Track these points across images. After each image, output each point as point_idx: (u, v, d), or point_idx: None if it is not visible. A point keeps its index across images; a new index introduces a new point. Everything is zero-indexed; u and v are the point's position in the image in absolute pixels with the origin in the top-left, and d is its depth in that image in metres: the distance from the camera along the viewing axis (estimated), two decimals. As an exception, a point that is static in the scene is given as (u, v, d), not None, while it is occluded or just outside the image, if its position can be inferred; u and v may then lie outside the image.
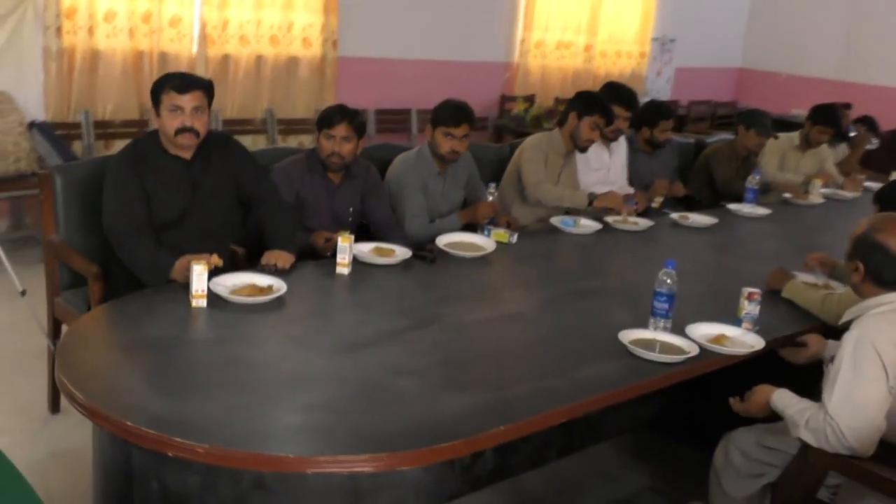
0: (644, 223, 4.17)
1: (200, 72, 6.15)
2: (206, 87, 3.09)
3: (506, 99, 8.13)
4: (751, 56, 10.84)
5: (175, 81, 3.05)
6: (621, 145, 4.88)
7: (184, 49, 6.07)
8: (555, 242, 3.83)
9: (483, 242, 3.53)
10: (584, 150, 4.37)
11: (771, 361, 2.86)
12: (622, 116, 4.67)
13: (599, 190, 4.70)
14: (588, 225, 4.01)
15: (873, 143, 6.35)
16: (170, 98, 3.01)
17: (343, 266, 3.04)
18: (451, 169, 4.05)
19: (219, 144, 3.20)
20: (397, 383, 2.23)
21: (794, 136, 5.80)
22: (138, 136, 5.88)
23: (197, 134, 3.05)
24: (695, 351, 2.59)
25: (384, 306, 2.80)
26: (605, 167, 4.76)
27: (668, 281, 2.71)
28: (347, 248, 3.03)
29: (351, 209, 3.72)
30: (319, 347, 2.42)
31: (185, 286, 2.63)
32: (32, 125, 5.37)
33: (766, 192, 5.51)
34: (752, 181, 4.82)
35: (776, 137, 5.57)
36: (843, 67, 9.90)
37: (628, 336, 2.64)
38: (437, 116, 3.93)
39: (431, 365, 2.35)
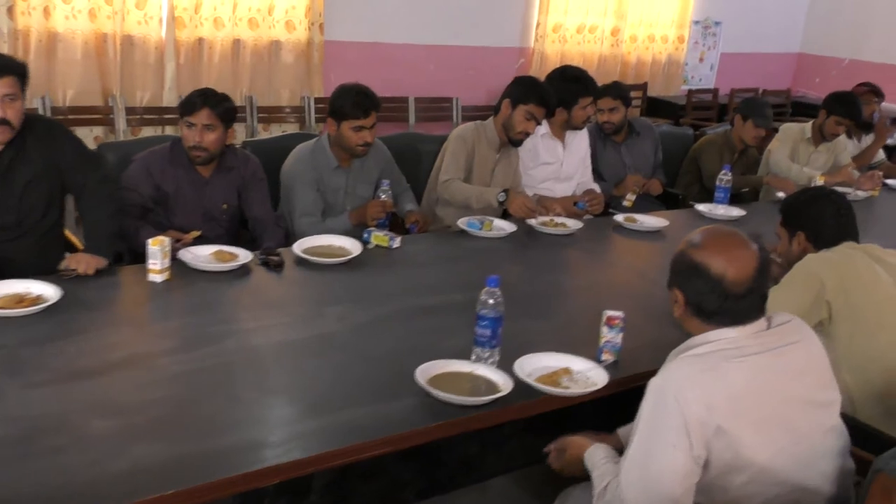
0: (573, 225, 3.64)
1: (171, 56, 5.89)
2: (17, 72, 2.70)
3: (519, 86, 7.59)
4: (812, 40, 9.95)
5: None
6: (580, 135, 4.33)
7: (152, 32, 5.79)
8: (452, 247, 3.35)
9: (352, 247, 3.09)
10: (517, 143, 3.86)
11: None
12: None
13: (550, 187, 4.21)
14: (500, 227, 3.51)
15: (894, 137, 5.53)
16: None
17: (155, 273, 2.65)
18: (357, 162, 3.62)
19: (39, 132, 2.84)
20: (83, 426, 1.83)
21: (806, 127, 5.11)
22: (101, 122, 5.77)
23: (9, 125, 2.69)
24: (508, 390, 2.11)
25: (161, 324, 2.40)
26: (559, 160, 4.24)
27: (491, 301, 2.23)
28: (158, 253, 2.64)
29: (225, 205, 3.34)
30: (30, 375, 2.03)
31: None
32: (-22, 111, 5.17)
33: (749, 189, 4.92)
34: (723, 179, 4.21)
35: (776, 129, 4.93)
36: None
37: (435, 369, 2.18)
38: (339, 109, 3.48)
39: (147, 403, 1.95)
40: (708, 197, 4.50)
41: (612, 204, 4.49)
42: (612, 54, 8.16)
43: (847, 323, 2.33)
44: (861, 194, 4.80)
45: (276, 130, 6.40)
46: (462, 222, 3.49)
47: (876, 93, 5.54)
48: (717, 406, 1.67)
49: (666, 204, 4.81)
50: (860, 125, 5.32)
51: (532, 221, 3.60)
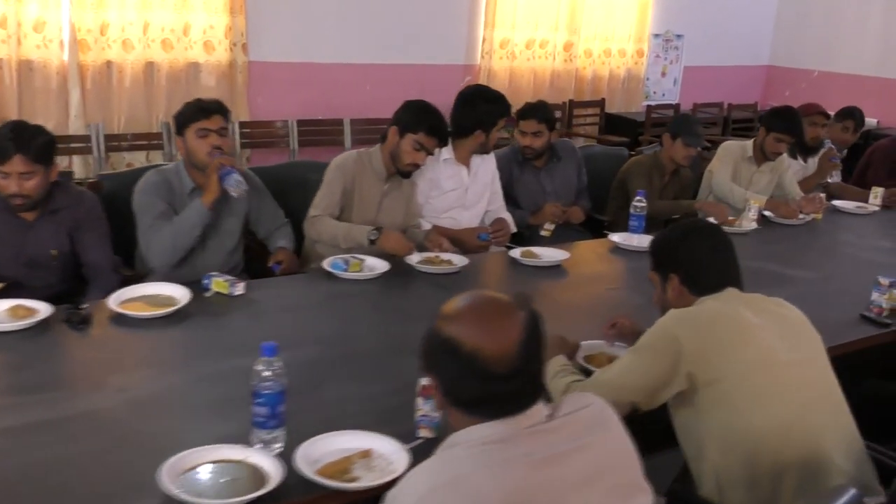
0: (459, 262, 3.25)
1: (75, 82, 5.53)
2: None
3: (465, 105, 7.23)
4: (781, 52, 9.59)
5: None
6: (487, 160, 3.94)
7: (53, 56, 5.43)
8: (308, 293, 2.95)
9: (181, 296, 2.69)
10: (405, 174, 3.49)
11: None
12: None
13: (455, 216, 3.84)
14: (371, 267, 3.12)
15: (833, 177, 5.06)
16: None
17: (-81, 336, 2.27)
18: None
19: None
20: None
21: (747, 145, 4.72)
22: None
23: None
24: (273, 485, 1.71)
25: None
26: (463, 186, 3.85)
27: (267, 373, 1.84)
28: (-79, 313, 2.26)
29: (54, 251, 2.95)
30: None
31: None
32: None
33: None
34: (637, 206, 3.81)
35: (707, 149, 4.54)
36: (881, 63, 8.61)
37: (197, 457, 1.78)
38: (181, 119, 3.11)
39: None
40: (640, 223, 4.11)
41: (528, 234, 4.11)
42: (566, 70, 7.81)
43: (711, 392, 1.93)
44: (803, 217, 4.42)
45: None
46: (327, 263, 3.10)
47: (825, 114, 5.11)
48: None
49: (592, 232, 4.42)
50: (802, 145, 4.94)
51: (411, 259, 3.22)
